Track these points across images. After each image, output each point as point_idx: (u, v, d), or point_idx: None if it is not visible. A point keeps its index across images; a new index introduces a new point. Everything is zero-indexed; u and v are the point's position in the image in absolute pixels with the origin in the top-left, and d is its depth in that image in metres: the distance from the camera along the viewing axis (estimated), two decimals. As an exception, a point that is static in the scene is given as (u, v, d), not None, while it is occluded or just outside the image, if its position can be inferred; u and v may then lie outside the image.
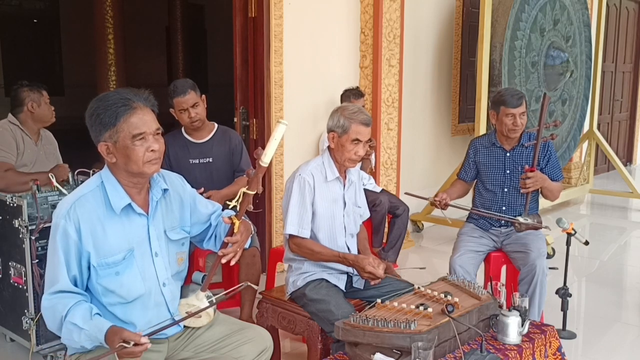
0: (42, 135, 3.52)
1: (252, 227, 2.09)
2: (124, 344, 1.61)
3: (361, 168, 4.14)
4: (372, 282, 2.51)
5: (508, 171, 3.25)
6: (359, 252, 2.70)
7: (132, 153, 1.79)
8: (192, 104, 3.23)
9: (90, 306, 1.77)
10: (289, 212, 2.53)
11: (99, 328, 1.69)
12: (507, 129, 3.16)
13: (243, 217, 1.97)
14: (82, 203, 1.81)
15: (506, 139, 3.25)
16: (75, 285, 1.80)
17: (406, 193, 3.37)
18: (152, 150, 1.81)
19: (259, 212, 4.13)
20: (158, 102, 1.92)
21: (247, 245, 2.02)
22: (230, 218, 1.95)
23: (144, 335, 1.69)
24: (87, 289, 1.85)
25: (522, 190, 3.13)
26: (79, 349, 1.85)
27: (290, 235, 2.55)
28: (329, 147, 2.63)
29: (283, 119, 1.92)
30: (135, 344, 1.62)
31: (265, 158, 1.89)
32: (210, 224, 2.13)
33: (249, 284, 2.06)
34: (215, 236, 2.13)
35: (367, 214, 2.85)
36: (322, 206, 2.57)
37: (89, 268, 1.82)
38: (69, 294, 1.77)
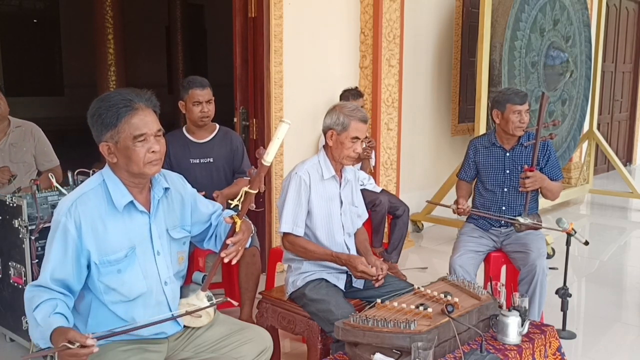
0: (10, 133, 3.39)
1: (252, 226, 2.09)
2: (68, 344, 1.55)
3: (361, 168, 4.14)
4: (377, 284, 2.50)
5: (508, 171, 3.25)
6: (358, 252, 2.70)
7: (133, 154, 1.79)
8: (207, 99, 3.28)
9: (56, 304, 1.72)
10: (285, 210, 2.54)
11: (49, 326, 1.64)
12: (515, 126, 3.15)
13: (244, 217, 1.97)
14: (83, 201, 1.81)
15: (506, 139, 3.25)
16: (68, 288, 1.79)
17: (428, 202, 3.38)
18: (152, 152, 1.82)
19: (259, 212, 4.13)
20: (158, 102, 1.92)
21: (247, 245, 2.02)
22: (231, 217, 1.95)
23: (137, 331, 1.68)
24: (87, 287, 1.85)
25: (521, 190, 3.13)
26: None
27: (285, 233, 2.56)
28: (325, 145, 2.63)
29: (284, 119, 1.92)
30: (82, 346, 1.55)
31: (268, 157, 1.89)
32: (211, 224, 2.14)
33: (229, 299, 2.07)
34: (216, 236, 2.14)
35: (365, 215, 2.85)
36: (318, 204, 2.58)
37: (88, 266, 1.82)
38: (48, 289, 1.75)
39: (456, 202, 3.16)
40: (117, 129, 1.78)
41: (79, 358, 1.56)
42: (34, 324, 1.70)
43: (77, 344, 1.55)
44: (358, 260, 2.46)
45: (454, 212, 3.17)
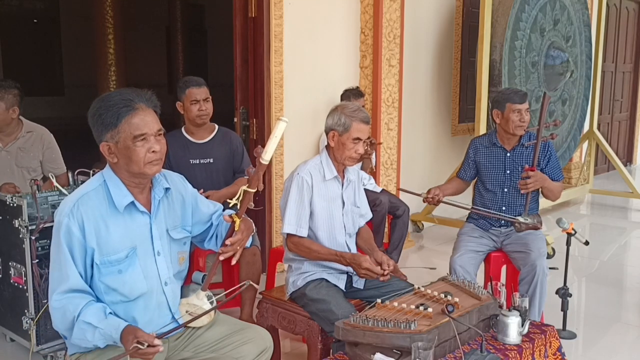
0: (21, 137, 3.37)
1: (252, 225, 2.09)
2: (138, 345, 1.62)
3: (362, 168, 4.14)
4: (382, 279, 2.44)
5: (508, 171, 3.25)
6: (363, 252, 2.68)
7: (133, 154, 1.79)
8: (204, 97, 3.30)
9: (104, 305, 1.78)
10: (287, 211, 2.53)
11: (114, 327, 1.71)
12: (515, 125, 3.15)
13: (244, 216, 1.97)
14: (85, 201, 1.81)
15: (507, 139, 3.25)
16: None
17: (400, 189, 3.37)
18: (153, 151, 1.82)
19: (259, 212, 4.13)
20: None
21: (247, 244, 2.02)
22: (231, 216, 1.95)
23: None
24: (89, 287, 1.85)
25: (522, 191, 3.13)
26: (79, 349, 1.85)
27: (288, 234, 2.55)
28: (327, 146, 2.63)
29: (281, 117, 1.92)
30: (149, 346, 1.63)
31: (266, 155, 1.89)
32: (212, 224, 2.13)
33: (251, 282, 2.06)
34: (216, 236, 2.13)
35: (369, 215, 2.84)
36: (320, 205, 2.57)
37: (92, 266, 1.82)
38: (79, 293, 1.77)
39: (429, 191, 3.14)
40: (118, 129, 1.78)
41: (147, 357, 1.66)
42: (87, 328, 1.73)
43: (146, 344, 1.62)
44: (362, 258, 2.44)
45: (424, 201, 3.15)
